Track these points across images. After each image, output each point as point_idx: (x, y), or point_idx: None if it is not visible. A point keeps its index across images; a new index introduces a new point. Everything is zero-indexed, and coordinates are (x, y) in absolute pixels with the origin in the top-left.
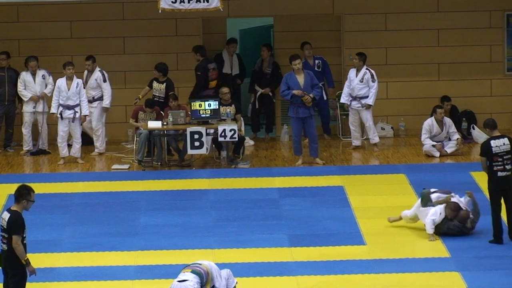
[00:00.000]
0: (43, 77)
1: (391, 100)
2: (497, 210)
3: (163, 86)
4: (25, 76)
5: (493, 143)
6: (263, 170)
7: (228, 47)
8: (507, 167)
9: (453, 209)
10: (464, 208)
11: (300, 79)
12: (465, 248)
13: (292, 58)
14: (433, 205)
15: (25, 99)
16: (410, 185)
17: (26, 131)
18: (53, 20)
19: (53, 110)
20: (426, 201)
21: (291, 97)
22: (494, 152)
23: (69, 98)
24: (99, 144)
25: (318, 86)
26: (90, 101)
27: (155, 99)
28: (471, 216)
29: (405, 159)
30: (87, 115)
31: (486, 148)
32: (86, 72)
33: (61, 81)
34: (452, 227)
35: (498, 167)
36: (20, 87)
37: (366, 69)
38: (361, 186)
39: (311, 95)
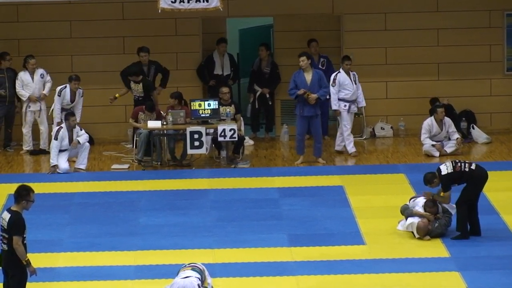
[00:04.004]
0: (42, 76)
1: (390, 100)
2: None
3: (140, 86)
4: (23, 76)
5: (443, 170)
6: (263, 170)
7: (218, 47)
8: (467, 162)
9: (422, 228)
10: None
11: (308, 77)
12: (465, 248)
13: (299, 55)
14: (413, 215)
15: (24, 99)
16: (410, 185)
17: (26, 131)
18: (52, 20)
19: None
20: (407, 215)
21: (296, 97)
22: (452, 168)
23: (75, 107)
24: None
25: (326, 86)
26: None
27: (135, 97)
28: (439, 212)
29: (405, 159)
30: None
31: (446, 179)
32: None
33: (67, 91)
34: (438, 227)
35: (467, 167)
36: (18, 87)
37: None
38: (361, 186)
39: (315, 94)
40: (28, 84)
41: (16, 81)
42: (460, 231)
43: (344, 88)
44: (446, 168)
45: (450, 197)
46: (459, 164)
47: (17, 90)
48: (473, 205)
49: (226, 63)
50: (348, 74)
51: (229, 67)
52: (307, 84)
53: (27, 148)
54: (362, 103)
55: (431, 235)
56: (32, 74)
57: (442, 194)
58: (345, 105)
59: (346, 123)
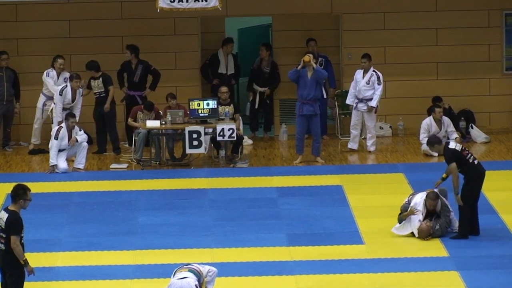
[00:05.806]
0: (65, 79)
1: (389, 99)
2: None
3: (100, 81)
4: (50, 73)
5: (451, 145)
6: (262, 169)
7: (226, 47)
8: (473, 155)
9: (425, 232)
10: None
11: (309, 73)
12: (464, 247)
13: (306, 52)
14: (404, 218)
15: (56, 93)
16: (409, 184)
17: (40, 126)
18: (51, 19)
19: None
20: (399, 220)
21: (296, 80)
22: (460, 150)
23: (75, 107)
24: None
25: (326, 74)
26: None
27: (96, 96)
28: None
29: (404, 158)
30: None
31: (451, 153)
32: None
33: (68, 90)
34: (438, 229)
35: (471, 158)
36: (49, 83)
37: (373, 71)
38: (360, 185)
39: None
40: (55, 83)
41: (49, 79)
42: (460, 231)
43: (356, 85)
44: (455, 145)
45: (455, 169)
46: (466, 151)
47: (51, 85)
48: (473, 204)
49: (230, 62)
50: (366, 72)
51: (233, 66)
52: (307, 78)
53: (36, 142)
54: (372, 103)
55: (432, 236)
56: (58, 74)
57: (444, 175)
58: (355, 102)
59: (352, 119)
